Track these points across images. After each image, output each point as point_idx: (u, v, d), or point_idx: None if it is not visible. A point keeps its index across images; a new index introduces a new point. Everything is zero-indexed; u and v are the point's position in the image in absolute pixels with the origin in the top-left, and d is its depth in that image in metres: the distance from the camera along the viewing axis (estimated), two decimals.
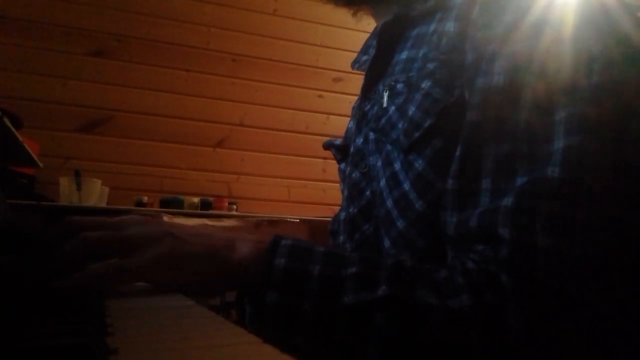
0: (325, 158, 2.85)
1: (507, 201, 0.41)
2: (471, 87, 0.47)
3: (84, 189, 2.14)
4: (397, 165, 0.53)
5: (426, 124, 0.50)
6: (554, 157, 0.40)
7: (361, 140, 0.62)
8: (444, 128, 0.49)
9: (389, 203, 0.53)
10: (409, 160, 0.51)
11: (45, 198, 2.11)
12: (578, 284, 0.38)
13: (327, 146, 0.75)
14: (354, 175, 0.62)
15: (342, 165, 0.70)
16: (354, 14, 0.71)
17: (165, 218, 0.66)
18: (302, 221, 0.85)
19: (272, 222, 0.81)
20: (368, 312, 0.39)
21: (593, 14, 0.45)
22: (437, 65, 0.52)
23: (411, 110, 0.52)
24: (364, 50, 0.72)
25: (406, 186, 0.51)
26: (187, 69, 2.70)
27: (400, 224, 0.52)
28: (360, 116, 0.64)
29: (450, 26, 0.52)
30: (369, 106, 0.63)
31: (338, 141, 0.73)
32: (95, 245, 0.44)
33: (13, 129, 1.06)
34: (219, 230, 0.65)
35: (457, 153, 0.46)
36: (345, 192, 0.64)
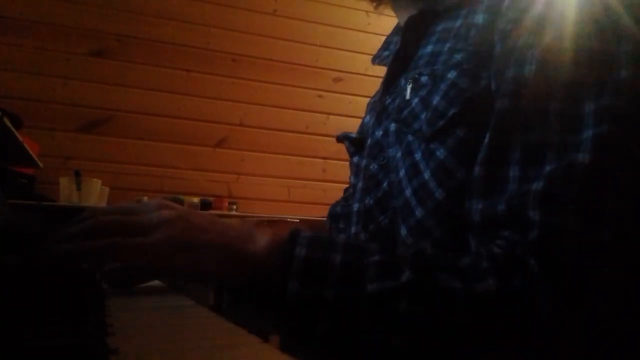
0: (325, 158, 2.85)
1: (537, 185, 0.41)
2: (501, 77, 0.47)
3: (84, 189, 2.14)
4: (417, 155, 0.53)
5: (450, 113, 0.50)
6: (584, 144, 0.41)
7: (381, 132, 0.62)
8: (467, 118, 0.49)
9: (408, 192, 0.53)
10: (431, 149, 0.52)
11: (45, 198, 2.10)
12: (607, 270, 0.38)
13: (342, 138, 0.74)
14: (371, 167, 0.62)
15: (355, 159, 0.70)
16: (376, 7, 0.71)
17: None
18: (302, 221, 0.85)
19: (272, 222, 0.81)
20: (392, 299, 0.38)
21: (619, 10, 0.46)
22: (465, 56, 0.52)
23: (435, 99, 0.53)
24: (385, 46, 0.72)
25: (426, 175, 0.51)
26: (187, 69, 2.70)
27: (418, 212, 0.52)
28: (381, 109, 0.64)
29: (479, 18, 0.53)
30: (390, 99, 0.63)
31: (353, 134, 0.73)
32: (108, 226, 0.44)
33: (13, 129, 1.06)
34: (236, 221, 0.65)
35: (486, 140, 0.46)
36: (360, 184, 0.64)
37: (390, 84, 0.64)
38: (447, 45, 0.57)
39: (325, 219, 0.81)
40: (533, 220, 0.40)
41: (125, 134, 2.57)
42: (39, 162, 1.44)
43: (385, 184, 0.59)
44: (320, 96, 2.91)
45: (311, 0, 2.90)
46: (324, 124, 2.89)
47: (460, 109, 0.50)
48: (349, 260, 0.41)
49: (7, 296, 0.40)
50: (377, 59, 0.72)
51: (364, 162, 0.65)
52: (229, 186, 2.72)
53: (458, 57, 0.53)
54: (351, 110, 2.83)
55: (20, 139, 1.14)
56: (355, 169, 0.69)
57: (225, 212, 2.42)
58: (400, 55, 0.63)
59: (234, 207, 2.51)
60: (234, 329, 0.33)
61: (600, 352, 0.39)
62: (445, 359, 0.39)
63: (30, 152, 1.29)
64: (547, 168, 0.42)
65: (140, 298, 0.48)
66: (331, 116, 2.90)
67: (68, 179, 2.15)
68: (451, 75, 0.52)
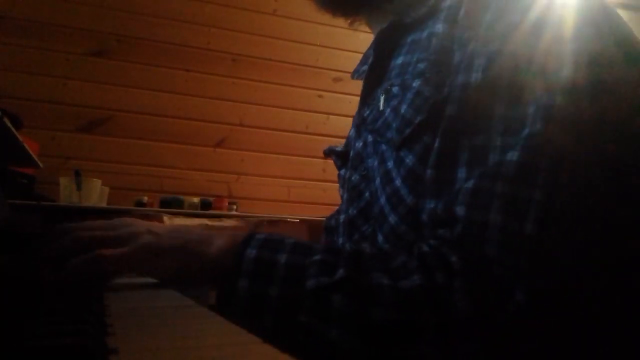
0: (325, 158, 2.84)
1: (469, 183, 0.43)
2: (453, 83, 0.49)
3: (84, 189, 2.14)
4: (390, 163, 0.55)
5: (417, 121, 0.52)
6: (518, 144, 0.42)
7: (360, 144, 0.64)
8: (433, 124, 0.51)
9: (382, 200, 0.55)
10: (401, 156, 0.53)
11: (45, 198, 2.10)
12: (529, 263, 0.39)
13: (328, 153, 0.77)
14: (353, 178, 0.64)
15: (342, 172, 0.71)
16: (351, 24, 0.74)
17: (165, 218, 0.68)
18: (302, 221, 0.86)
19: (272, 222, 0.81)
20: (327, 295, 0.41)
21: (563, 14, 0.47)
22: (427, 65, 0.54)
23: (403, 108, 0.55)
24: (364, 60, 0.74)
25: (398, 182, 0.53)
26: (187, 69, 2.70)
27: (392, 219, 0.53)
28: (360, 121, 0.66)
29: (439, 28, 0.55)
30: (367, 111, 0.64)
31: (339, 147, 0.75)
32: (85, 241, 0.49)
33: (13, 129, 1.06)
34: (199, 228, 0.69)
35: (436, 145, 0.48)
36: (345, 195, 0.66)
37: (367, 97, 0.66)
38: (415, 55, 0.58)
39: (325, 219, 0.81)
40: (458, 216, 0.42)
41: (125, 134, 2.57)
42: (39, 162, 1.44)
43: (367, 194, 0.60)
44: (320, 96, 2.91)
45: (311, 0, 2.90)
46: (324, 124, 2.89)
47: (425, 117, 0.51)
48: (294, 259, 0.44)
49: (7, 296, 0.40)
50: (356, 74, 0.74)
51: (347, 174, 0.66)
52: (229, 186, 2.72)
53: (421, 66, 0.55)
54: (351, 110, 2.81)
55: (20, 139, 1.14)
56: (342, 182, 0.71)
57: (225, 212, 2.42)
58: (374, 68, 0.65)
59: (234, 207, 2.51)
60: (234, 329, 0.33)
61: (521, 347, 0.39)
62: (377, 353, 0.40)
63: (30, 152, 1.29)
64: (484, 168, 0.43)
65: (140, 298, 0.48)
66: (331, 116, 2.90)
67: (68, 179, 2.15)
68: (416, 84, 0.54)
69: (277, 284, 0.43)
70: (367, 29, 0.73)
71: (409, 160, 0.52)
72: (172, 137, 2.64)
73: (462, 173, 0.46)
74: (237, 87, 2.78)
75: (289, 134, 2.85)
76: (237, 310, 0.44)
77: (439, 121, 0.50)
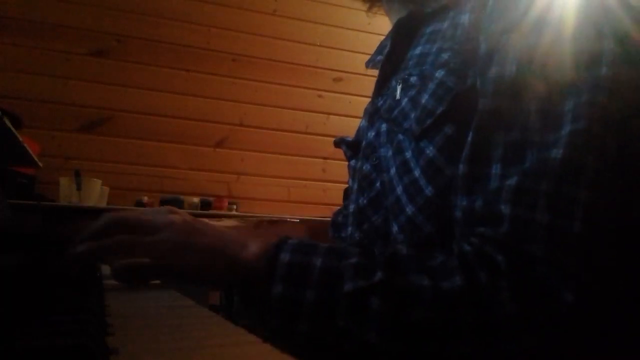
0: (325, 158, 2.85)
1: (512, 181, 0.42)
2: (484, 76, 0.48)
3: (84, 189, 2.14)
4: (408, 153, 0.54)
5: (438, 111, 0.51)
6: (560, 141, 0.41)
7: (373, 133, 0.63)
8: (455, 115, 0.50)
9: (399, 190, 0.54)
10: (420, 147, 0.52)
11: (45, 198, 2.10)
12: (577, 262, 0.39)
13: (338, 142, 0.76)
14: (364, 167, 0.63)
15: (353, 162, 0.70)
16: (369, 9, 0.72)
17: None
18: (302, 221, 0.85)
19: (272, 222, 0.81)
20: (365, 298, 0.40)
21: (603, 10, 0.47)
22: (451, 55, 0.53)
23: (424, 98, 0.54)
24: (379, 50, 0.72)
25: (417, 172, 0.52)
26: (187, 69, 2.70)
27: (409, 209, 0.52)
28: (373, 111, 0.65)
29: (464, 18, 0.54)
30: (382, 101, 0.64)
31: (349, 138, 0.74)
32: (117, 223, 0.49)
33: (13, 129, 1.06)
34: (233, 230, 0.67)
35: (469, 139, 0.47)
36: (355, 185, 0.65)
37: (382, 86, 0.65)
38: (436, 46, 0.57)
39: (326, 219, 0.81)
40: (504, 214, 0.41)
41: (125, 134, 2.57)
42: (39, 162, 1.44)
43: (377, 184, 0.59)
44: (320, 96, 2.91)
45: (311, 0, 2.90)
46: (324, 124, 2.89)
47: (448, 107, 0.51)
48: (329, 263, 0.43)
49: (7, 296, 0.40)
50: (370, 63, 0.72)
51: (358, 164, 0.65)
52: (229, 186, 2.72)
53: (445, 56, 0.54)
54: (351, 110, 2.83)
55: (20, 139, 1.14)
56: (352, 172, 0.70)
57: (225, 212, 2.42)
58: (391, 58, 0.64)
59: (234, 207, 2.51)
60: (234, 329, 0.33)
61: (568, 348, 0.39)
62: (417, 355, 0.40)
63: (30, 152, 1.29)
64: (526, 165, 0.43)
65: (140, 298, 0.48)
66: (331, 116, 2.90)
67: (68, 179, 2.15)
68: (439, 74, 0.53)
69: (313, 288, 0.42)
70: (369, 29, 0.73)
71: (429, 151, 0.51)
72: (172, 137, 2.64)
73: (496, 169, 0.45)
74: (237, 87, 2.78)
75: (289, 134, 2.85)
76: (269, 316, 0.43)
77: (461, 112, 0.49)
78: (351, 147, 0.72)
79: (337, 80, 2.93)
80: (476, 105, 0.47)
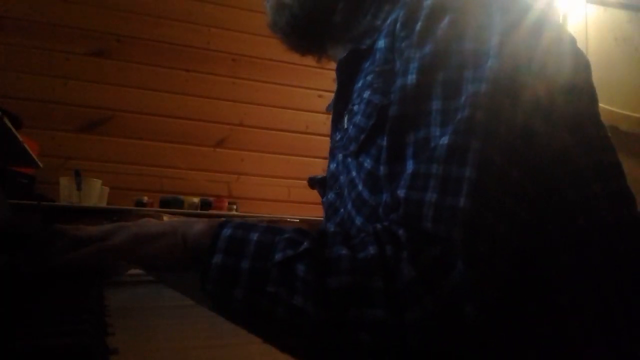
0: (325, 158, 2.84)
1: (408, 169, 0.49)
2: (394, 88, 0.54)
3: (84, 189, 2.14)
4: (354, 172, 0.59)
5: (369, 126, 0.57)
6: (450, 129, 0.47)
7: (334, 165, 0.69)
8: (384, 127, 0.54)
9: (349, 205, 0.59)
10: (360, 162, 0.58)
11: (45, 198, 2.11)
12: (463, 233, 0.43)
13: (312, 183, 0.82)
14: (329, 196, 0.68)
15: (324, 198, 0.75)
16: (318, 61, 0.81)
17: (165, 218, 0.71)
18: (302, 221, 0.87)
19: (272, 222, 0.83)
20: (292, 265, 0.46)
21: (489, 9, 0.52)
22: (374, 77, 0.59)
23: (357, 118, 0.60)
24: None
25: (360, 186, 0.58)
26: (187, 69, 2.70)
27: (358, 220, 0.57)
28: (332, 146, 0.71)
29: (381, 43, 0.59)
30: (338, 135, 0.69)
31: (319, 176, 0.79)
32: (77, 239, 0.56)
33: (13, 129, 1.06)
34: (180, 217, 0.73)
35: (385, 143, 0.53)
36: (323, 213, 0.70)
37: (337, 122, 0.71)
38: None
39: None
40: (400, 198, 0.47)
41: (125, 134, 2.57)
42: (39, 162, 1.44)
43: (342, 210, 0.63)
44: (320, 96, 2.91)
45: None
46: (324, 124, 2.89)
47: (376, 120, 0.56)
48: (264, 237, 0.49)
49: (7, 296, 0.40)
50: (329, 107, 0.77)
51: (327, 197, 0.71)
52: (229, 186, 2.72)
53: (369, 78, 0.60)
54: None
55: (20, 139, 1.14)
56: (324, 207, 0.74)
57: (225, 212, 2.42)
58: (340, 94, 0.70)
59: (234, 207, 2.51)
60: (234, 329, 0.33)
61: (463, 314, 0.42)
62: (336, 316, 0.44)
63: (30, 152, 1.29)
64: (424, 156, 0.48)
65: (140, 297, 0.48)
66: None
67: (68, 179, 2.15)
68: (366, 95, 0.59)
69: (248, 258, 0.48)
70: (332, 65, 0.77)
71: (367, 163, 0.56)
72: (172, 137, 2.64)
73: (410, 165, 0.50)
74: (237, 87, 2.78)
75: (289, 134, 2.85)
76: (209, 284, 0.48)
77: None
78: (322, 185, 0.77)
79: None
80: None
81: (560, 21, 0.55)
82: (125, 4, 2.62)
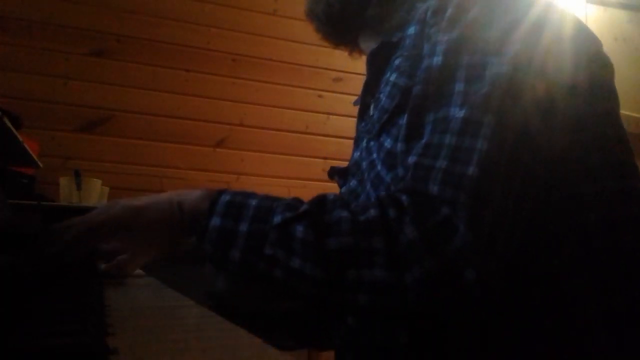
0: (325, 158, 2.85)
1: (422, 140, 0.50)
2: (420, 69, 0.55)
3: (84, 189, 2.13)
4: (375, 154, 0.60)
5: (392, 106, 0.58)
6: (468, 103, 0.48)
7: (358, 152, 0.69)
8: (406, 107, 0.56)
9: (368, 185, 0.60)
10: (380, 142, 0.59)
11: (45, 198, 2.10)
12: (469, 198, 0.44)
13: (332, 173, 0.82)
14: (351, 183, 0.68)
15: (343, 189, 0.75)
16: (350, 53, 0.86)
17: None
18: None
19: None
20: (291, 227, 0.46)
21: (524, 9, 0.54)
22: (401, 60, 0.60)
23: (382, 101, 0.61)
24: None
25: (379, 166, 0.58)
26: (187, 69, 2.70)
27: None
28: (357, 135, 0.72)
29: (411, 30, 0.61)
30: (363, 124, 0.70)
31: (340, 167, 0.80)
32: (70, 226, 0.56)
33: (13, 129, 1.06)
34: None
35: (404, 121, 0.54)
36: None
37: (363, 113, 0.72)
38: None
39: None
40: (409, 163, 0.48)
41: (125, 134, 2.57)
42: (39, 162, 1.44)
43: (362, 196, 0.64)
44: (320, 96, 2.91)
45: None
46: (324, 124, 2.89)
47: (399, 101, 0.57)
48: (264, 202, 0.50)
49: (7, 296, 0.40)
50: (356, 102, 0.78)
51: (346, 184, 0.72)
52: (229, 186, 2.72)
53: (397, 62, 0.61)
54: (351, 110, 2.80)
55: (20, 139, 1.14)
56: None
57: None
58: (369, 86, 0.71)
59: None
60: (233, 329, 0.33)
61: (463, 276, 0.42)
62: (335, 278, 0.44)
63: (30, 152, 1.29)
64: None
65: (139, 298, 0.49)
66: (331, 116, 2.90)
67: (68, 179, 2.15)
68: (392, 77, 0.61)
69: (246, 221, 0.48)
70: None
71: (387, 143, 0.57)
72: (172, 137, 2.64)
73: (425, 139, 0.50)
74: (237, 87, 2.78)
75: (289, 134, 2.85)
76: (207, 245, 0.48)
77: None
78: (343, 176, 0.77)
79: (337, 80, 2.93)
80: None
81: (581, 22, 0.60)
82: (125, 4, 2.61)
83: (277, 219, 0.47)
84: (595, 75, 0.57)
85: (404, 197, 0.46)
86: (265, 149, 2.80)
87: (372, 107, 0.66)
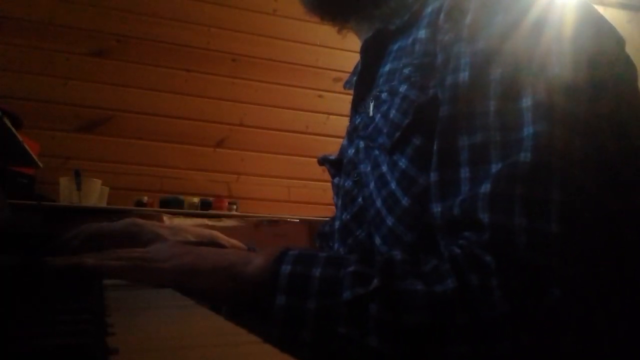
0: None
1: (485, 188, 0.44)
2: (442, 85, 0.50)
3: (84, 189, 2.14)
4: (384, 167, 0.56)
5: (405, 124, 0.54)
6: (525, 142, 0.43)
7: (352, 151, 0.65)
8: (422, 126, 0.52)
9: (379, 203, 0.56)
10: (394, 160, 0.55)
11: (45, 198, 2.10)
12: (559, 259, 0.40)
13: (322, 161, 0.80)
14: (346, 184, 0.65)
15: (336, 180, 0.73)
16: (339, 31, 0.75)
17: (165, 218, 0.70)
18: (302, 221, 0.87)
19: (272, 222, 0.82)
20: (364, 305, 0.42)
21: (558, 13, 0.49)
22: (412, 70, 0.56)
23: (392, 113, 0.56)
24: (354, 71, 0.76)
25: (393, 185, 0.54)
26: (187, 69, 2.70)
27: (389, 220, 0.54)
28: (352, 129, 0.68)
29: (422, 33, 0.56)
30: (359, 119, 0.66)
31: (332, 156, 0.77)
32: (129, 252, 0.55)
33: (13, 129, 1.06)
34: (232, 250, 0.71)
35: (435, 147, 0.49)
36: (339, 201, 0.67)
37: (358, 105, 0.68)
38: (402, 62, 0.60)
39: (325, 219, 0.81)
40: (483, 223, 0.43)
41: (125, 134, 2.57)
42: (39, 162, 1.44)
43: (359, 199, 0.62)
44: (320, 96, 2.91)
45: None
46: (324, 124, 2.89)
47: (413, 119, 0.53)
48: (328, 272, 0.45)
49: (7, 296, 0.40)
50: (347, 84, 0.74)
51: (340, 181, 0.68)
52: (229, 186, 2.72)
53: (407, 71, 0.57)
54: None
55: (20, 139, 1.14)
56: (336, 189, 0.73)
57: (225, 212, 2.42)
58: (363, 76, 0.67)
59: (234, 207, 2.51)
60: (234, 329, 0.33)
61: (560, 344, 0.40)
62: (417, 356, 0.41)
63: (30, 152, 1.29)
64: (493, 167, 0.44)
65: (140, 297, 0.48)
66: (331, 116, 2.90)
67: (68, 179, 2.15)
68: (402, 89, 0.56)
69: (314, 297, 0.44)
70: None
71: (402, 163, 0.54)
72: (172, 137, 2.64)
73: (465, 173, 0.46)
74: (237, 87, 2.78)
75: (289, 134, 2.85)
76: (273, 327, 0.45)
77: (427, 123, 0.51)
78: (334, 165, 0.74)
79: (337, 80, 2.93)
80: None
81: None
82: (125, 4, 2.61)
83: (347, 294, 0.43)
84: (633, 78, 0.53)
85: (488, 259, 0.41)
86: (265, 149, 2.80)
87: (371, 105, 0.62)
